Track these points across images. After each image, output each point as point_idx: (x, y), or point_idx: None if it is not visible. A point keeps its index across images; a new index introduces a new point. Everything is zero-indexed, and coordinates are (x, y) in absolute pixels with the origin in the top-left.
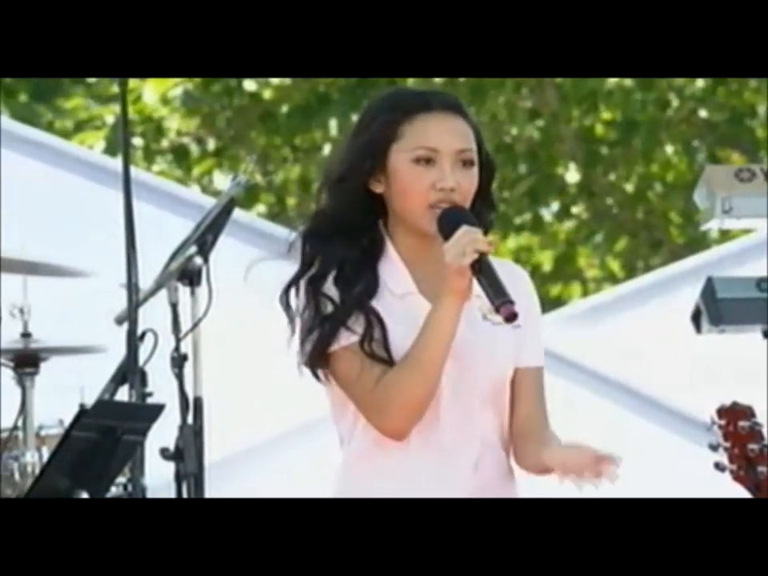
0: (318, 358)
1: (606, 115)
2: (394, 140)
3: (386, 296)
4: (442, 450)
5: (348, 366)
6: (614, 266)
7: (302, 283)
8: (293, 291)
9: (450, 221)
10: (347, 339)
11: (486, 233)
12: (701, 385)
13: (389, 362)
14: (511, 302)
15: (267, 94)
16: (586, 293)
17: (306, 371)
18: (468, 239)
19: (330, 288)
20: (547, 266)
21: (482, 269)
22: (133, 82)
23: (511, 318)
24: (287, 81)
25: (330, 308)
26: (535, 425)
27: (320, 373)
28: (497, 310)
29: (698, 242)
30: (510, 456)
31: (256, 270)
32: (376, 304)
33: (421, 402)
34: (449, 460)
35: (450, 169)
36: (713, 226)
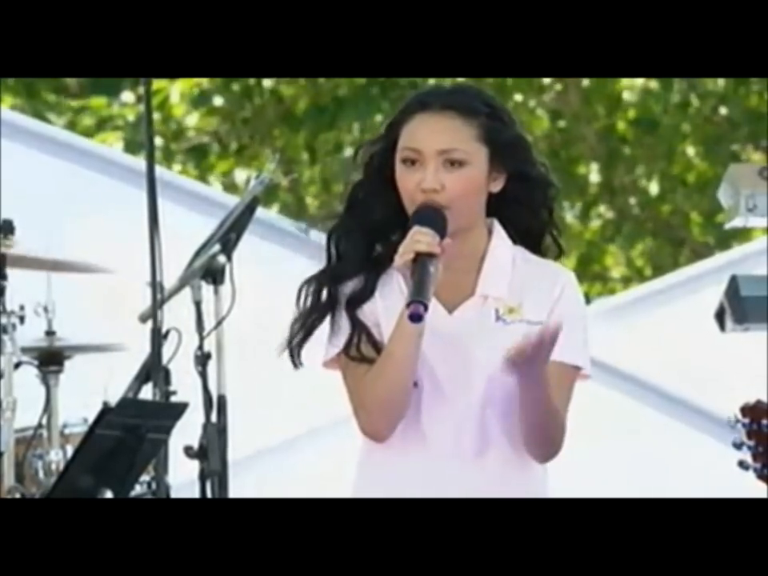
0: (296, 355)
1: (628, 114)
2: (397, 139)
3: (397, 297)
4: (432, 448)
5: (342, 372)
6: (638, 265)
7: (315, 281)
8: (311, 287)
9: (412, 223)
10: (335, 348)
11: (551, 210)
12: (724, 383)
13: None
14: (420, 303)
15: (287, 93)
16: (609, 292)
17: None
18: (410, 240)
19: (330, 289)
20: (570, 266)
21: (415, 269)
22: (157, 84)
23: (414, 318)
24: (303, 80)
25: (324, 310)
26: None
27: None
28: (407, 307)
29: (719, 241)
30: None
31: (280, 269)
32: (379, 309)
33: (391, 402)
34: (440, 458)
35: (433, 169)
36: (737, 224)
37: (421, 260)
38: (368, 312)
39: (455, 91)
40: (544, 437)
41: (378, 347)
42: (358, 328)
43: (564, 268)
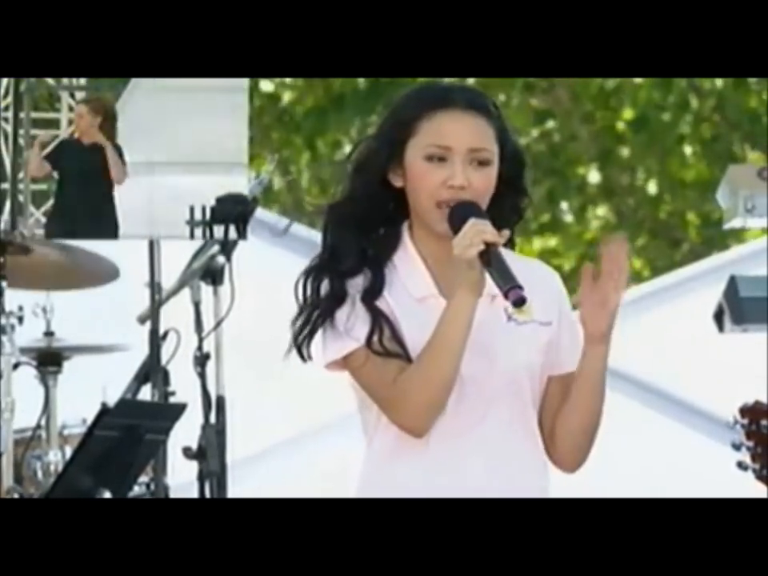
0: (304, 350)
1: (626, 115)
2: (411, 135)
3: (404, 298)
4: (457, 445)
5: (360, 367)
6: (636, 266)
7: (313, 274)
8: (309, 280)
9: (459, 216)
10: (356, 342)
11: (519, 218)
12: (724, 383)
13: (404, 357)
14: (519, 287)
15: (286, 96)
16: None
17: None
18: (475, 230)
19: (335, 284)
20: (568, 266)
21: (490, 259)
22: None
23: (519, 302)
24: (301, 82)
25: (331, 305)
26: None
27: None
28: (505, 296)
29: (716, 241)
30: (538, 452)
31: (279, 269)
32: (392, 306)
33: (437, 398)
34: (464, 456)
35: (461, 167)
36: (735, 225)
37: (492, 250)
38: (384, 308)
39: (470, 90)
40: (591, 439)
41: (400, 342)
42: (380, 321)
43: (547, 266)
